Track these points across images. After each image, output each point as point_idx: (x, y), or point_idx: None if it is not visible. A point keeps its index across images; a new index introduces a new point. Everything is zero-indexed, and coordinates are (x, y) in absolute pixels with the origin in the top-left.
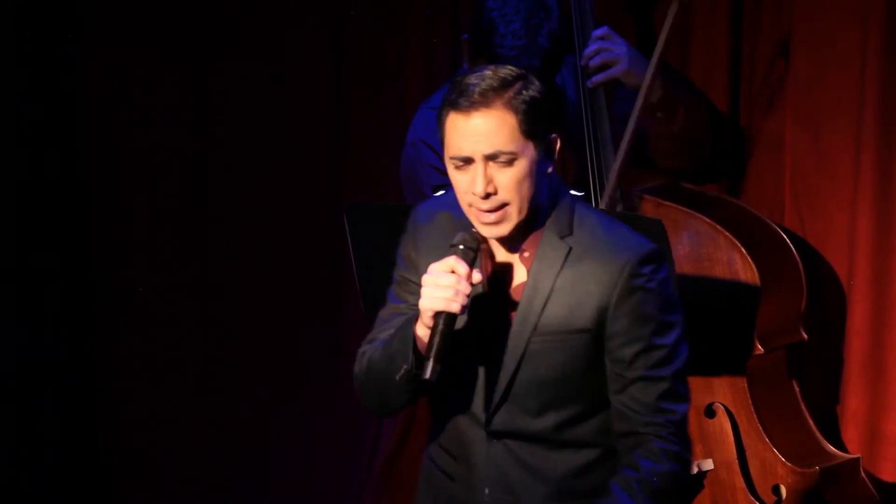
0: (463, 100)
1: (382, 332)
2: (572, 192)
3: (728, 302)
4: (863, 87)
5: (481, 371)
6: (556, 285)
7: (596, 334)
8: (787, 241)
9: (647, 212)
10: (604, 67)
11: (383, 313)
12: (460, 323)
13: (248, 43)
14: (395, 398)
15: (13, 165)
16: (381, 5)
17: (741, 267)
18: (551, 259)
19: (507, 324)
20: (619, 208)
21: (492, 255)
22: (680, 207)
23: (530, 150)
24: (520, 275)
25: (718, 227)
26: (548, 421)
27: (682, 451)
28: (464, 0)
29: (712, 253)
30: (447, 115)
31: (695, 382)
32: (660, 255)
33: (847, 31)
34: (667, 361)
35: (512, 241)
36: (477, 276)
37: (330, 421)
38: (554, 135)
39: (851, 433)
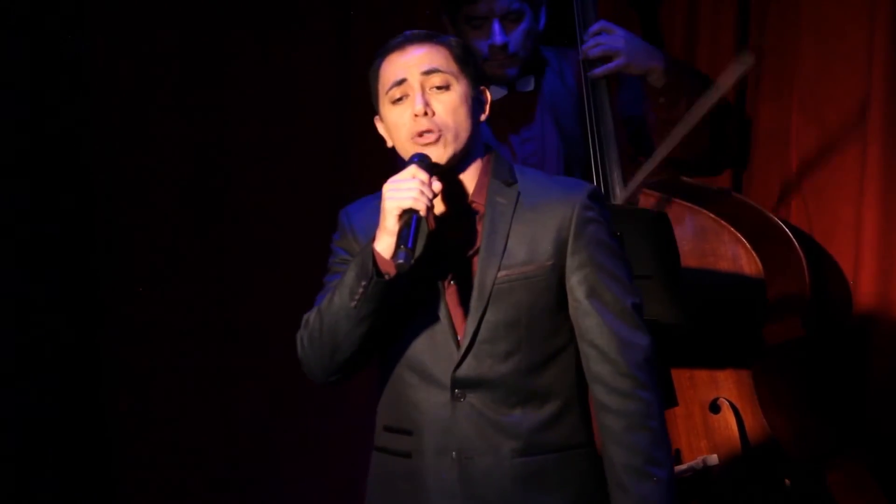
0: (397, 41)
1: None
2: None
3: (732, 296)
4: (869, 81)
5: (445, 326)
6: (512, 227)
7: (557, 270)
8: (790, 235)
9: (650, 207)
10: (604, 60)
11: (320, 296)
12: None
13: (252, 40)
14: (348, 338)
15: (15, 162)
16: (385, 4)
17: (745, 261)
18: (504, 205)
19: (469, 274)
20: (621, 202)
21: (439, 215)
22: (682, 202)
23: (464, 83)
24: (470, 225)
25: (722, 221)
26: (513, 364)
27: (651, 380)
28: None
29: (716, 248)
30: (381, 63)
31: (699, 377)
32: (601, 195)
33: (853, 24)
34: (628, 292)
35: (459, 196)
36: (437, 185)
37: (334, 418)
38: (483, 86)
39: (856, 427)
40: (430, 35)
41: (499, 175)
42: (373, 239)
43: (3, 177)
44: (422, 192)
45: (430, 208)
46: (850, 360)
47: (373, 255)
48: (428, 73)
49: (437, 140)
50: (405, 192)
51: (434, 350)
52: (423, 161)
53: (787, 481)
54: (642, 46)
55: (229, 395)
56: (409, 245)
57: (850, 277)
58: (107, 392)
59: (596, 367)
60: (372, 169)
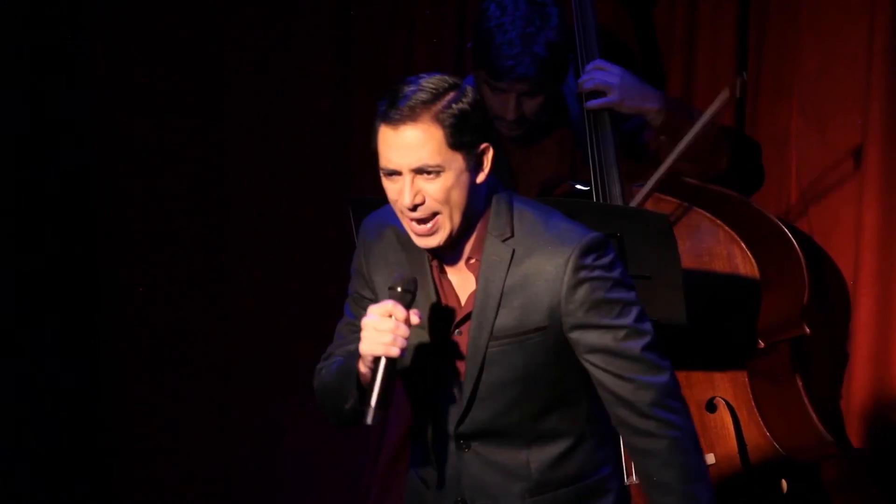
0: (393, 112)
1: (338, 348)
2: (578, 185)
3: (728, 296)
4: (869, 81)
5: (444, 382)
6: (505, 289)
7: (553, 330)
8: (789, 234)
9: (649, 207)
10: (598, 93)
11: (341, 328)
12: (400, 364)
13: (253, 41)
14: (349, 419)
15: (17, 163)
16: (385, 4)
17: (741, 261)
18: (497, 264)
19: (465, 333)
20: (619, 203)
21: (441, 268)
22: (679, 202)
23: (458, 162)
24: (470, 283)
25: (718, 221)
26: (516, 416)
27: (676, 417)
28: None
29: (712, 247)
30: (379, 126)
31: (696, 377)
32: (599, 242)
33: (853, 24)
34: (633, 338)
35: (456, 251)
36: (415, 319)
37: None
38: (484, 144)
39: (856, 427)
40: (426, 105)
41: (495, 229)
42: (357, 354)
43: (3, 177)
44: (395, 339)
45: (405, 348)
46: (849, 359)
47: (357, 377)
48: (418, 169)
49: (430, 230)
50: (379, 336)
51: (439, 402)
52: (404, 293)
53: (783, 481)
54: (637, 86)
55: (230, 395)
56: (376, 403)
57: (849, 277)
58: (106, 391)
59: (616, 411)
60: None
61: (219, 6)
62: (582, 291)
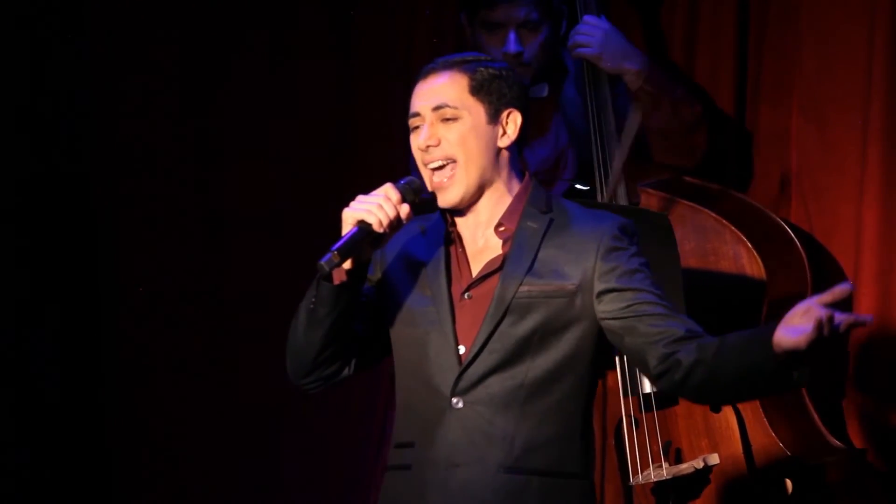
0: (426, 69)
1: None
2: (577, 185)
3: (734, 296)
4: (869, 81)
5: (450, 337)
6: (540, 250)
7: (581, 294)
8: (792, 234)
9: (652, 207)
10: (582, 48)
11: None
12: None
13: (252, 40)
14: (306, 338)
15: (16, 162)
16: (385, 4)
17: (747, 261)
18: (534, 229)
19: (487, 290)
20: (623, 202)
21: (460, 237)
22: (685, 202)
23: (479, 112)
24: (492, 251)
25: (724, 221)
26: (517, 379)
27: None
28: None
29: (718, 247)
30: (413, 89)
31: None
32: (635, 231)
33: (854, 24)
34: (663, 301)
35: (486, 216)
36: (405, 210)
37: (337, 413)
38: (511, 109)
39: (856, 427)
40: (458, 62)
41: (534, 203)
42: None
43: (3, 178)
44: (379, 207)
45: (392, 226)
46: (851, 359)
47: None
48: (437, 108)
49: (447, 182)
50: (364, 204)
51: (438, 359)
52: (406, 186)
53: (787, 481)
54: (620, 46)
55: (230, 395)
56: (336, 249)
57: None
58: (106, 391)
59: (667, 337)
60: (373, 170)
61: (217, 8)
62: (617, 258)
